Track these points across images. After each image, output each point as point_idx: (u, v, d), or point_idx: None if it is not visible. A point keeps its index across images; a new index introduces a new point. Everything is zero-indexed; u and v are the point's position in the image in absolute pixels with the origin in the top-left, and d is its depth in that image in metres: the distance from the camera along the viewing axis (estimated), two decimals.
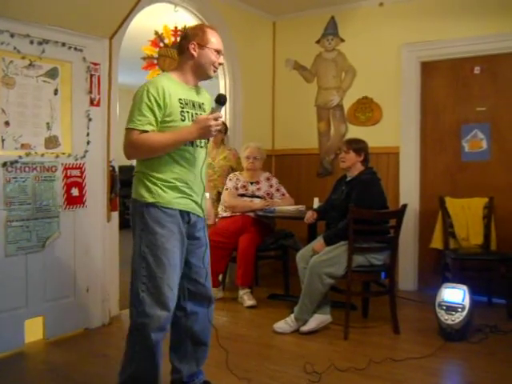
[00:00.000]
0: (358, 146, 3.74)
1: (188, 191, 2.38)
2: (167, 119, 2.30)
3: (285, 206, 4.43)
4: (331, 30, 5.19)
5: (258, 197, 4.51)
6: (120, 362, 2.41)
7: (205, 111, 2.45)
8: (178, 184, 2.34)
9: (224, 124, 4.93)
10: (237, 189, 4.52)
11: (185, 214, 2.38)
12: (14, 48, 3.14)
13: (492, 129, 4.47)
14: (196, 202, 2.43)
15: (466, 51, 4.49)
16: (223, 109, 5.12)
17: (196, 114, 2.39)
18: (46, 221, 3.39)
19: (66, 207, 3.51)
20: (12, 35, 3.12)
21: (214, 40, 2.40)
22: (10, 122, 3.18)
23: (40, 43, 3.28)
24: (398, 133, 4.81)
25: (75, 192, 3.56)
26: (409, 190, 4.76)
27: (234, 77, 5.03)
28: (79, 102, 3.55)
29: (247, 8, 5.12)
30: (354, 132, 4.89)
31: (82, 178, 3.60)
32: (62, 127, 3.48)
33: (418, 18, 4.68)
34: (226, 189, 4.53)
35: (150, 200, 2.30)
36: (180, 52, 2.45)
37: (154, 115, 2.27)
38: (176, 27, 4.61)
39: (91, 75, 3.59)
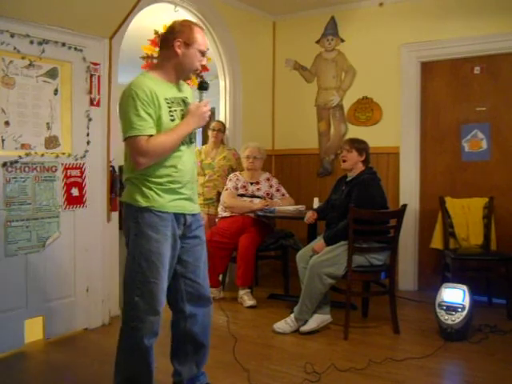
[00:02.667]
0: (360, 145, 3.74)
1: (183, 191, 2.35)
2: (158, 122, 2.24)
3: (285, 206, 4.43)
4: (331, 30, 5.19)
5: (257, 197, 4.51)
6: (113, 364, 2.40)
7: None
8: (174, 186, 2.31)
9: (222, 123, 4.94)
10: (237, 189, 4.52)
11: (180, 217, 2.35)
12: (14, 48, 3.14)
13: (492, 129, 4.47)
14: (191, 200, 2.40)
15: (465, 51, 4.49)
16: (223, 107, 5.17)
17: (182, 110, 2.34)
18: (46, 221, 3.39)
19: (66, 207, 3.51)
20: (12, 35, 3.12)
21: (200, 40, 2.32)
22: (9, 122, 3.18)
23: (40, 43, 3.27)
24: (398, 133, 4.81)
25: (75, 192, 3.56)
26: (409, 190, 4.76)
27: (233, 77, 5.03)
28: (79, 102, 3.55)
29: (247, 8, 5.12)
30: (354, 132, 4.89)
31: (82, 178, 3.60)
32: (62, 127, 3.48)
33: (418, 18, 4.69)
34: (226, 189, 4.53)
35: (144, 204, 2.26)
36: (163, 46, 2.34)
37: (151, 118, 2.22)
38: None
39: (91, 75, 3.59)
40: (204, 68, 4.99)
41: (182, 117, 2.34)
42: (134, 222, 2.28)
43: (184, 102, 2.38)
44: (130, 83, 2.25)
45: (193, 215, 2.43)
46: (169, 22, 2.40)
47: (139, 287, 2.27)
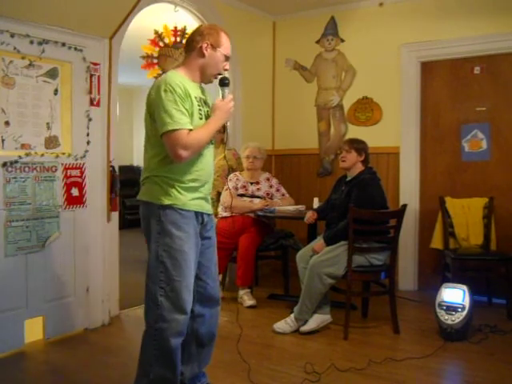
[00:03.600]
0: (359, 145, 3.74)
1: (202, 190, 2.38)
2: (190, 119, 2.27)
3: (285, 206, 4.43)
4: (331, 30, 5.19)
5: (257, 197, 4.51)
6: (137, 367, 2.35)
7: (209, 106, 2.44)
8: (195, 185, 2.33)
9: None
10: (237, 189, 4.52)
11: (199, 215, 2.37)
12: (14, 48, 3.14)
13: (492, 129, 4.47)
14: (207, 200, 2.44)
15: (465, 51, 4.49)
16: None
17: (207, 111, 2.39)
18: (46, 221, 3.39)
19: (65, 207, 3.51)
20: (12, 35, 3.12)
21: (226, 44, 2.39)
22: (9, 122, 3.18)
23: (40, 43, 3.27)
24: (398, 133, 4.81)
25: (75, 192, 3.56)
26: (409, 190, 4.76)
27: (234, 77, 5.02)
28: (79, 102, 3.55)
29: (247, 8, 5.13)
30: (354, 132, 4.89)
31: (82, 178, 3.60)
32: (62, 127, 3.48)
33: (418, 18, 4.68)
34: (226, 189, 4.53)
35: (167, 202, 2.26)
36: (190, 49, 2.40)
37: (188, 113, 2.25)
38: (176, 27, 4.62)
39: (91, 75, 3.59)
40: None
41: (207, 116, 2.37)
42: (156, 220, 2.28)
43: (206, 103, 2.43)
44: (164, 78, 2.28)
45: (208, 215, 2.45)
46: (195, 26, 2.52)
47: (163, 286, 2.26)
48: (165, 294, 2.26)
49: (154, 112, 2.26)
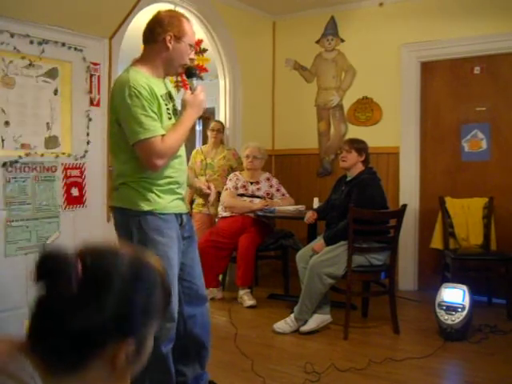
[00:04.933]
0: (359, 145, 3.74)
1: (180, 191, 2.31)
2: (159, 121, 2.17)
3: (285, 206, 4.43)
4: (331, 30, 5.19)
5: (257, 197, 4.51)
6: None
7: (175, 100, 2.31)
8: (173, 186, 2.26)
9: (221, 123, 4.94)
10: (236, 189, 4.52)
11: (178, 217, 2.31)
12: (14, 48, 3.14)
13: (492, 129, 4.47)
14: (183, 200, 2.37)
15: (465, 51, 4.48)
16: (223, 107, 5.16)
17: (173, 105, 2.28)
18: (46, 221, 3.39)
19: (65, 207, 3.51)
20: (12, 35, 3.12)
21: (190, 33, 2.20)
22: (9, 122, 3.18)
23: (40, 43, 3.27)
24: (397, 133, 4.81)
25: (75, 192, 3.56)
26: (409, 190, 4.76)
27: (233, 77, 5.03)
28: (79, 102, 3.55)
29: (247, 8, 5.12)
30: (354, 132, 4.89)
31: (82, 177, 3.60)
32: (62, 127, 3.48)
33: (418, 18, 4.68)
34: (226, 189, 4.53)
35: (147, 208, 2.16)
36: (149, 41, 2.20)
37: (158, 116, 2.13)
38: None
39: (91, 75, 3.59)
40: (202, 69, 5.00)
41: (175, 112, 2.27)
42: (136, 228, 2.17)
43: (170, 96, 2.29)
44: (126, 79, 2.11)
45: (186, 214, 2.41)
46: (153, 13, 2.24)
47: None
48: None
49: (121, 118, 2.13)
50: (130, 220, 2.20)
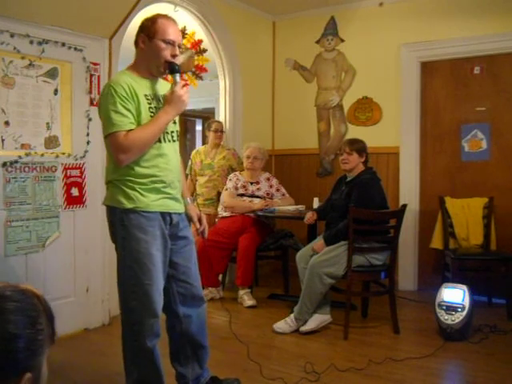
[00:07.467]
0: (360, 146, 3.73)
1: (167, 190, 2.31)
2: (138, 118, 2.20)
3: (285, 206, 4.43)
4: (331, 30, 5.19)
5: (257, 197, 4.51)
6: (116, 365, 2.39)
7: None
8: (158, 185, 2.27)
9: (220, 123, 4.94)
10: (236, 189, 4.52)
11: (166, 216, 2.31)
12: (14, 48, 3.14)
13: (492, 129, 4.47)
14: (176, 199, 2.37)
15: (465, 51, 4.48)
16: (223, 107, 5.16)
17: (161, 105, 2.29)
18: (46, 221, 3.39)
19: (65, 207, 3.51)
20: (12, 35, 3.12)
21: (161, 30, 2.25)
22: (9, 122, 3.18)
23: (40, 43, 3.28)
24: (397, 133, 4.81)
25: (75, 192, 3.56)
26: (409, 190, 4.76)
27: (233, 77, 5.03)
28: (79, 102, 3.55)
29: (247, 8, 5.12)
30: (354, 132, 4.89)
31: (82, 178, 3.60)
32: (62, 127, 3.48)
33: (418, 18, 4.68)
34: (226, 189, 4.53)
35: (129, 206, 2.22)
36: (135, 46, 2.35)
37: (131, 113, 2.18)
38: None
39: (91, 75, 3.59)
40: (202, 69, 5.00)
41: None
42: (120, 225, 2.26)
43: (159, 99, 2.33)
44: (110, 80, 2.24)
45: (179, 214, 2.40)
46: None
47: (134, 291, 2.25)
48: (136, 298, 2.24)
49: (99, 117, 2.25)
50: (114, 217, 2.30)
